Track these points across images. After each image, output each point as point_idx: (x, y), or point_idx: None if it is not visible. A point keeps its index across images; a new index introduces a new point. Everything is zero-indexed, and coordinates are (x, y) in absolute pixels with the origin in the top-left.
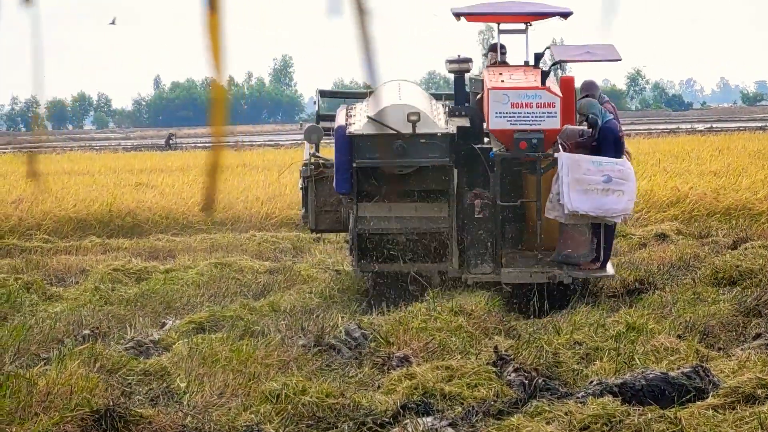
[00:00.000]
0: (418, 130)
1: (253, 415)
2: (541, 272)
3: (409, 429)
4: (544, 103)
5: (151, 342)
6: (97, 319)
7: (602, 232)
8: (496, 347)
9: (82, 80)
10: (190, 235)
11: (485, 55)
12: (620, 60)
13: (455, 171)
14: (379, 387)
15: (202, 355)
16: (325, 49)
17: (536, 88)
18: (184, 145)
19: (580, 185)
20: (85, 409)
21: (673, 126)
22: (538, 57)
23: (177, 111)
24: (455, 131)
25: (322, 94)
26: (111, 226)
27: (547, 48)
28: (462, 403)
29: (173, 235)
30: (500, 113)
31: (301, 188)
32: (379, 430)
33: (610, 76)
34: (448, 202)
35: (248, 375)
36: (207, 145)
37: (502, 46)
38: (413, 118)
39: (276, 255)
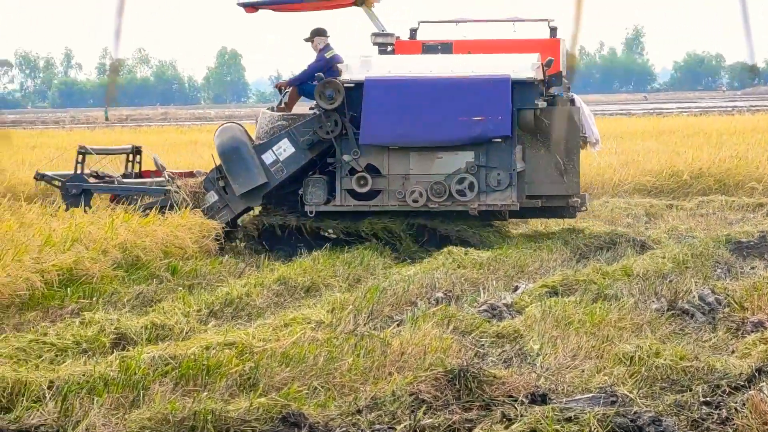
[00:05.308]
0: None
1: (606, 377)
2: None
3: (765, 391)
4: None
5: (504, 305)
6: (449, 282)
7: None
8: None
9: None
10: None
11: (309, 40)
12: None
13: None
14: (733, 351)
15: (555, 317)
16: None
17: None
18: None
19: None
20: (438, 369)
21: None
22: (414, 31)
23: None
24: None
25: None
26: None
27: None
28: None
29: None
30: None
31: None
32: (733, 393)
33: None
34: None
35: (601, 337)
36: None
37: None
38: (546, 66)
39: (627, 221)
